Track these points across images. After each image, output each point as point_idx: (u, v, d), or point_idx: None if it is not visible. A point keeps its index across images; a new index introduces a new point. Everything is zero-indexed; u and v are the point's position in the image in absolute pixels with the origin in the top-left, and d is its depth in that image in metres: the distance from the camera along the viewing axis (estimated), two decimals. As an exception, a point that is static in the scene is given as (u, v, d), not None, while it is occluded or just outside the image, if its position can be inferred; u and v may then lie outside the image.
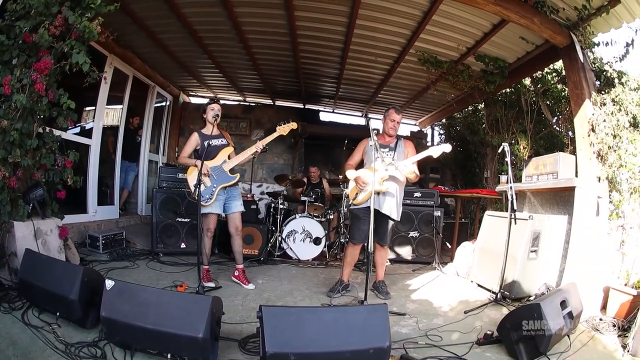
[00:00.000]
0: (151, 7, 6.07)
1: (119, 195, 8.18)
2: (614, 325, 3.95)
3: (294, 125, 5.13)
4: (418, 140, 11.93)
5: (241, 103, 11.80)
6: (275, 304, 4.39)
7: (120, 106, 8.16)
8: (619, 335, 3.83)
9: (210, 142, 4.90)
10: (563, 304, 3.48)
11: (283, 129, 5.05)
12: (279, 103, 11.77)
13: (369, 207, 4.33)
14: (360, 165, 5.02)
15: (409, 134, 12.24)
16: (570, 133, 6.67)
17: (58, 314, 3.31)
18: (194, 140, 4.96)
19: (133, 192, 9.00)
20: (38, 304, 3.47)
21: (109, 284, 2.95)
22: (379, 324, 2.81)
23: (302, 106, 11.78)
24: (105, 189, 7.94)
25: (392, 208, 4.72)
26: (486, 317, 4.28)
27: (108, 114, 8.49)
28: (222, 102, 10.72)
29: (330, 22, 6.41)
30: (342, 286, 4.92)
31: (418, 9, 5.71)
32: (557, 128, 7.86)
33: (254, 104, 11.79)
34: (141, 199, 9.14)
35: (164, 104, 10.39)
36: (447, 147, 4.59)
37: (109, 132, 8.10)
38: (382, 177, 4.58)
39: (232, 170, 4.98)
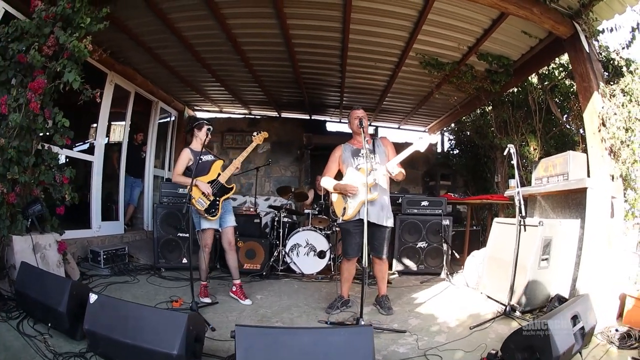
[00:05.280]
0: (145, 23, 6.09)
1: (124, 210, 8.22)
2: (631, 336, 3.68)
3: (265, 134, 5.32)
4: (428, 147, 11.67)
5: (246, 116, 11.77)
6: (269, 321, 4.35)
7: (123, 122, 8.28)
8: (635, 347, 3.56)
9: (202, 158, 4.96)
10: (574, 320, 3.18)
11: (258, 139, 5.22)
12: (284, 115, 11.69)
13: (359, 219, 4.12)
14: (338, 177, 4.82)
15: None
16: (581, 131, 6.36)
17: (49, 324, 3.44)
18: (186, 157, 5.02)
19: (139, 208, 9.10)
20: (32, 314, 3.62)
21: (92, 297, 3.08)
22: (362, 348, 2.63)
23: (309, 117, 11.71)
24: (111, 205, 8.05)
25: (382, 215, 4.52)
26: (493, 333, 3.98)
27: (115, 130, 8.91)
28: (227, 115, 11.51)
29: (324, 29, 6.29)
30: (342, 302, 4.76)
31: (412, 8, 5.52)
32: (568, 126, 7.59)
33: (259, 117, 11.76)
34: (147, 215, 9.17)
35: (168, 119, 10.44)
36: (434, 138, 4.34)
37: (115, 149, 8.35)
38: (369, 184, 4.28)
39: (227, 182, 5.09)
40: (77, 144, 7.93)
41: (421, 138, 4.36)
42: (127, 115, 8.15)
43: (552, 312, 3.36)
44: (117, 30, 6.02)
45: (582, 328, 3.22)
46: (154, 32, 6.42)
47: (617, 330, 3.81)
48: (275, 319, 4.41)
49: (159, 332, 2.80)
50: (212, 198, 4.87)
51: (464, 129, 10.90)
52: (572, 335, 3.04)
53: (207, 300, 4.89)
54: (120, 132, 8.75)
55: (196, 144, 5.10)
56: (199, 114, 11.56)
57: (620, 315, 4.15)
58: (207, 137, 5.02)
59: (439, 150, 12.27)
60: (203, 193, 4.81)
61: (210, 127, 5.12)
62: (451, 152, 11.78)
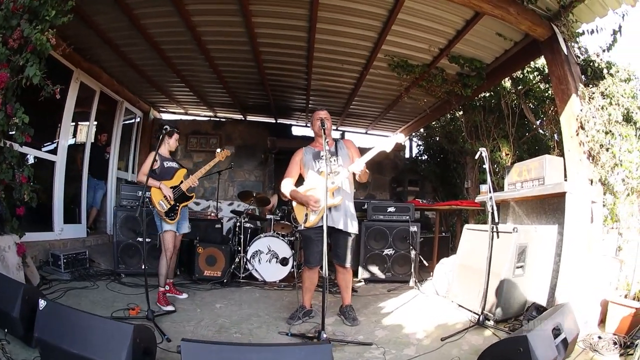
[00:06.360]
0: (112, 18, 5.90)
1: (86, 213, 8.01)
2: (615, 343, 3.55)
3: (228, 152, 5.66)
4: (396, 153, 11.71)
5: (211, 119, 11.57)
6: (228, 331, 4.14)
7: (88, 122, 8.13)
8: (620, 354, 3.44)
9: (167, 164, 5.26)
10: (556, 331, 2.99)
11: (221, 155, 5.52)
12: (250, 118, 11.51)
13: (321, 226, 3.87)
14: (300, 181, 4.66)
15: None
16: (555, 136, 6.34)
17: (6, 330, 3.35)
18: (152, 159, 5.02)
19: (102, 211, 8.82)
20: (-10, 319, 3.53)
21: (41, 304, 2.95)
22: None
23: (274, 121, 11.57)
24: (74, 207, 7.81)
25: (347, 221, 4.33)
26: (466, 345, 3.76)
27: (82, 130, 8.65)
28: (192, 118, 11.67)
29: (290, 28, 6.10)
30: (303, 312, 4.54)
31: (382, 7, 5.35)
32: (542, 131, 7.59)
33: (224, 120, 11.56)
34: (110, 218, 8.78)
35: (133, 120, 10.18)
36: (400, 137, 4.21)
37: (80, 149, 8.13)
38: (331, 189, 4.13)
39: (188, 190, 5.25)
40: (45, 144, 7.63)
41: (388, 137, 4.21)
42: (91, 114, 7.95)
43: (532, 324, 3.17)
44: (85, 26, 5.90)
45: (565, 339, 3.04)
46: (120, 29, 6.23)
47: (599, 337, 3.69)
48: (233, 330, 4.19)
49: (106, 343, 2.66)
50: (172, 202, 4.99)
51: (433, 134, 10.90)
52: (554, 348, 2.85)
53: (169, 308, 4.72)
54: (84, 132, 8.54)
55: (164, 149, 5.31)
56: (165, 116, 11.37)
57: (602, 321, 4.05)
58: (176, 144, 5.41)
59: (407, 155, 12.27)
60: (165, 196, 4.94)
61: (177, 134, 5.40)
62: (419, 157, 11.79)
